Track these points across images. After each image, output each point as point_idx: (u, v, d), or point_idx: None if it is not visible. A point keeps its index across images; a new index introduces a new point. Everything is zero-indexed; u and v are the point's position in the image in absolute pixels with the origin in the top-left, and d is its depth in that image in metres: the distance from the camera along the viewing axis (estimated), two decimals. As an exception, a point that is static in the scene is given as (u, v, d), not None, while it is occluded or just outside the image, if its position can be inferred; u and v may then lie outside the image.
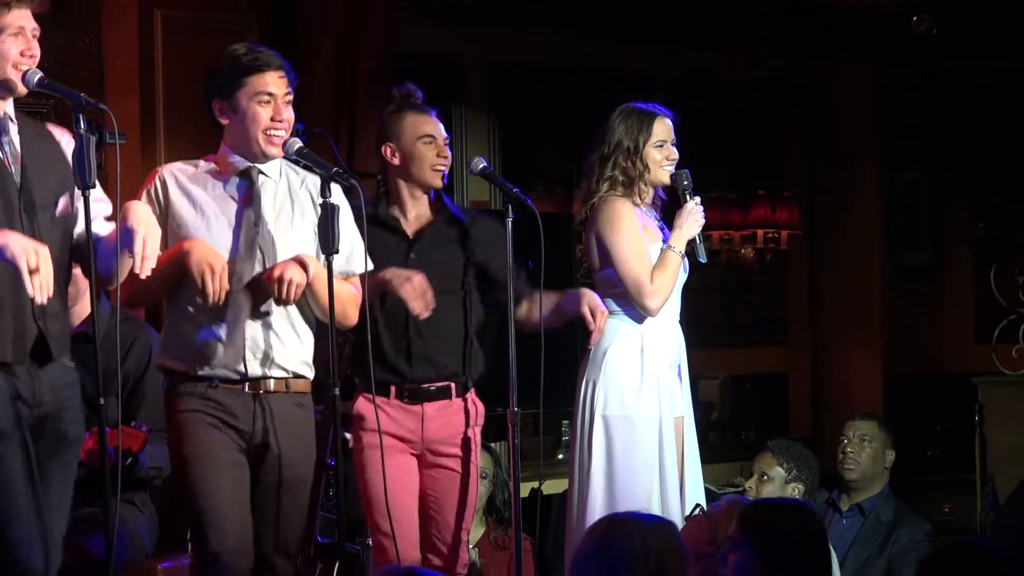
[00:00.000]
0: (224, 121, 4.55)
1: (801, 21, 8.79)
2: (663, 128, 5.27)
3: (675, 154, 5.28)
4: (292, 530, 4.61)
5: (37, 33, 4.10)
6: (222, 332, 4.50)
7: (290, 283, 4.46)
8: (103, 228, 4.19)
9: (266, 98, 4.51)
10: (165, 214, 4.50)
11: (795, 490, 6.16)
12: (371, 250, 4.81)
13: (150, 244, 4.05)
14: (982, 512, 7.33)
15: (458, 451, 5.07)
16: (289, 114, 4.55)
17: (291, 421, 4.59)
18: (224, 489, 4.47)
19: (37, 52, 4.08)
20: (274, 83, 4.52)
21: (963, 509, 7.91)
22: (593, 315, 5.02)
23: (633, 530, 3.71)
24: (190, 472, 4.47)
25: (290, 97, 4.56)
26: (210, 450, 4.48)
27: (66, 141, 4.18)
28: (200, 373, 4.51)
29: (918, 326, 9.49)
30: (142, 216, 4.08)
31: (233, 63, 4.53)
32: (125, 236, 4.03)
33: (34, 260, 3.86)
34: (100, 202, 4.21)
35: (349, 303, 4.67)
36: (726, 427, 9.14)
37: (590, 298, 5.06)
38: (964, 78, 9.42)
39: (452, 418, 5.05)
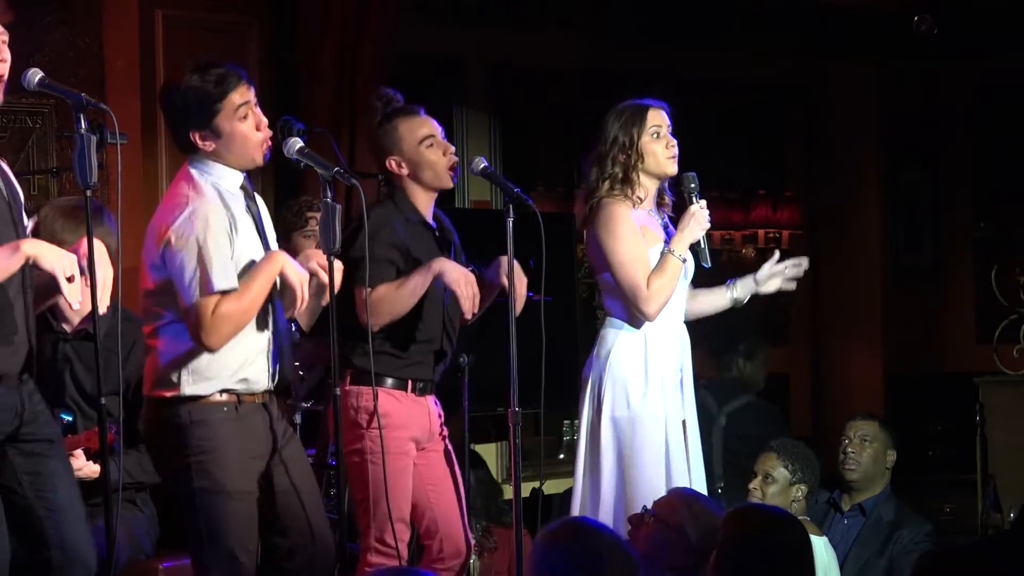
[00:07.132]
0: (209, 147, 4.44)
1: (801, 21, 8.79)
2: (657, 116, 5.21)
3: (674, 142, 5.21)
4: (324, 519, 4.58)
5: (6, 38, 4.02)
6: (264, 344, 4.45)
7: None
8: None
9: (243, 111, 4.44)
10: (231, 229, 4.41)
11: (799, 491, 6.14)
12: (417, 249, 4.92)
13: (107, 285, 4.06)
14: (983, 512, 7.31)
15: (442, 437, 5.13)
16: (263, 117, 4.51)
17: (283, 426, 4.58)
18: (252, 523, 4.43)
19: (7, 57, 4.01)
20: (243, 95, 4.45)
21: (964, 509, 7.90)
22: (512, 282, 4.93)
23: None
24: (224, 506, 4.36)
25: (255, 99, 4.51)
26: (246, 487, 4.40)
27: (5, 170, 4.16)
28: (231, 391, 4.39)
29: (919, 326, 9.49)
30: (102, 258, 4.05)
31: (201, 95, 4.43)
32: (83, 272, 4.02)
33: (70, 270, 3.90)
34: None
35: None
36: (727, 427, 9.13)
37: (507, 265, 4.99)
38: (964, 78, 9.41)
39: (436, 408, 5.12)
